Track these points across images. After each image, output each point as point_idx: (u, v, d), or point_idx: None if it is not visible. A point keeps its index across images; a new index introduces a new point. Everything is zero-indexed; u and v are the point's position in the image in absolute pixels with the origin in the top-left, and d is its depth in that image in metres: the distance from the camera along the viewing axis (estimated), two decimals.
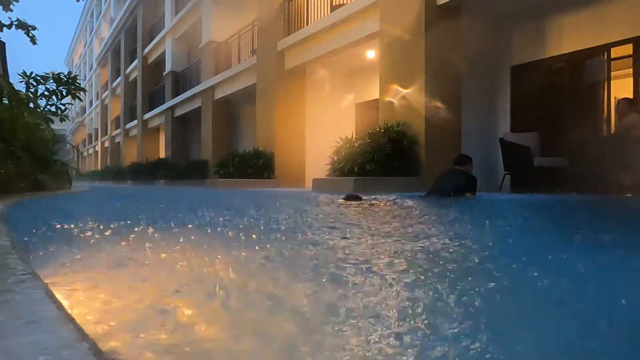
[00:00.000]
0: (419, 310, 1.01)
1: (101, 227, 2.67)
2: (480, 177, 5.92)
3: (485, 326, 0.92)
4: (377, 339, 0.83)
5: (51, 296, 0.95)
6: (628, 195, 5.04)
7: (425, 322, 0.93)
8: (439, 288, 1.21)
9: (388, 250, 1.83)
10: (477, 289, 1.19)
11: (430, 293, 1.16)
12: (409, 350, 0.79)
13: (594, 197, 5.09)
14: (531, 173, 6.46)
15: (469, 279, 1.37)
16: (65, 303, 0.98)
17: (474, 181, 5.33)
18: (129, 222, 2.95)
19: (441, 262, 1.60)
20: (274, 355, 0.82)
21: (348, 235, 2.27)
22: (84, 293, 1.19)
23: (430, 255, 1.71)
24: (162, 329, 0.91)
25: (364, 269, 1.45)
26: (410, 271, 1.43)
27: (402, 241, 2.07)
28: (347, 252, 1.78)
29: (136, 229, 2.59)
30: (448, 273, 1.45)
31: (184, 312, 1.03)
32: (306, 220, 3.14)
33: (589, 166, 5.43)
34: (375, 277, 1.34)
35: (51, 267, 1.48)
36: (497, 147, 7.10)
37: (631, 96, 6.17)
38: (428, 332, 0.87)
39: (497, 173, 7.40)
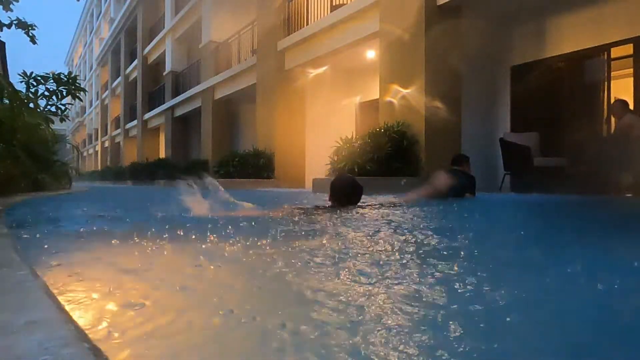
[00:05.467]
0: None
1: None
2: (480, 177, 5.92)
3: None
4: None
5: (51, 296, 0.95)
6: (628, 195, 5.04)
7: None
8: None
9: None
10: None
11: None
12: None
13: (595, 197, 5.08)
14: (531, 173, 6.46)
15: None
16: None
17: (474, 181, 5.32)
18: None
19: None
20: None
21: None
22: None
23: None
24: None
25: None
26: None
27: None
28: None
29: None
30: None
31: None
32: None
33: (589, 166, 5.42)
34: None
35: None
36: (497, 147, 7.10)
37: (632, 96, 6.17)
38: None
39: (497, 173, 7.40)
